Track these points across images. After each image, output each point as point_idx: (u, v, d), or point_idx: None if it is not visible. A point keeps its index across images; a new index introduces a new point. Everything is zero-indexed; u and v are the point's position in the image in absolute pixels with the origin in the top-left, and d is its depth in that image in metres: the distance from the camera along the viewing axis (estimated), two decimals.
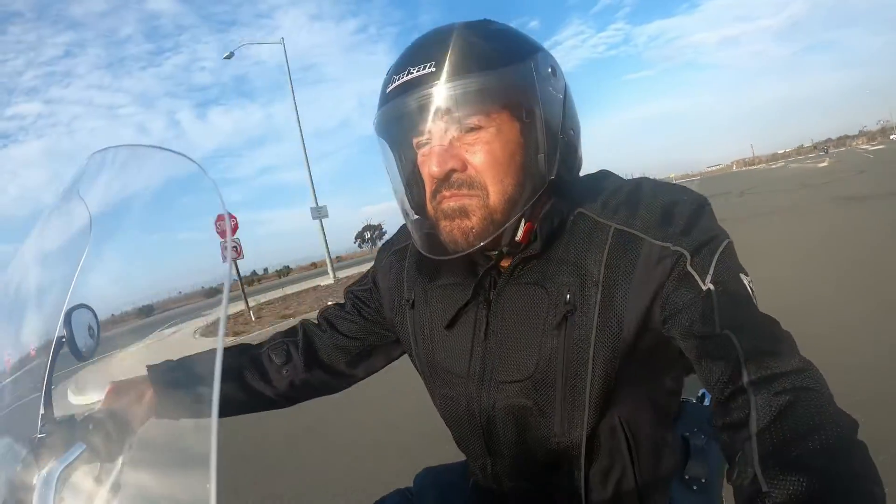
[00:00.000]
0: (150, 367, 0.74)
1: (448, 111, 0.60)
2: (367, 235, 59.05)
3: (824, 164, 37.34)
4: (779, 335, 0.55)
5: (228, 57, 14.62)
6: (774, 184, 23.93)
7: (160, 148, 0.54)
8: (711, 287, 0.57)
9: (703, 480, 0.74)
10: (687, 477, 0.74)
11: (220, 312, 0.39)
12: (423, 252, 0.68)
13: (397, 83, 0.61)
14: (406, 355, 0.85)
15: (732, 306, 0.55)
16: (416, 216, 0.70)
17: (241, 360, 0.84)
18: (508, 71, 0.60)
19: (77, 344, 0.62)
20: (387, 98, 0.63)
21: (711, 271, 0.57)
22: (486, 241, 0.62)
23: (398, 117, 0.63)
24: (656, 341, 0.62)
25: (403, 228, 0.84)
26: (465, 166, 0.61)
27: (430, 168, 0.61)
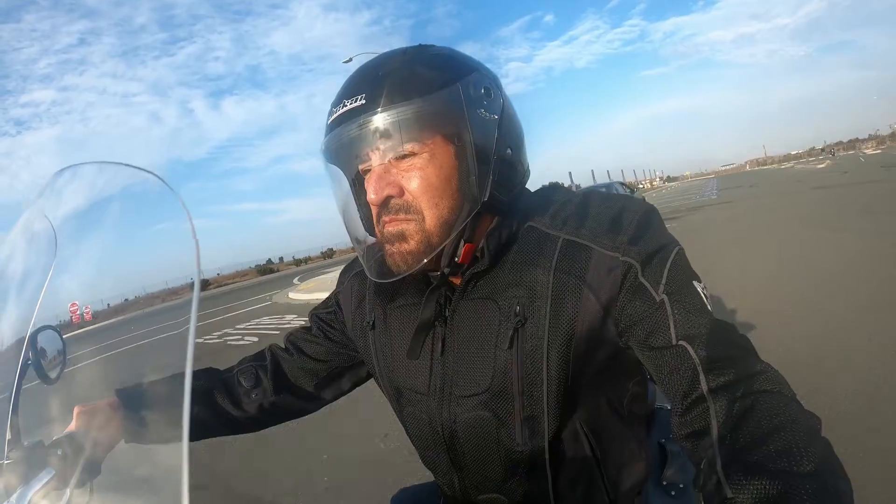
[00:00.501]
0: (118, 391, 0.73)
1: (379, 141, 0.61)
2: None
3: (823, 165, 41.55)
4: (735, 340, 0.55)
5: (347, 62, 15.62)
6: (776, 179, 33.08)
7: (125, 165, 0.53)
8: (665, 297, 0.57)
9: (680, 486, 0.74)
10: (664, 483, 0.74)
11: (190, 326, 0.38)
12: (368, 276, 0.70)
13: (334, 116, 0.63)
14: (372, 379, 0.84)
15: (687, 316, 0.56)
16: (369, 241, 0.71)
17: (210, 383, 0.83)
18: (434, 98, 0.60)
19: (43, 367, 0.61)
20: (327, 129, 0.64)
21: (664, 281, 0.58)
22: (423, 263, 0.63)
23: (338, 148, 0.65)
24: (614, 351, 0.62)
25: None
26: (402, 192, 0.62)
27: (369, 195, 0.63)
